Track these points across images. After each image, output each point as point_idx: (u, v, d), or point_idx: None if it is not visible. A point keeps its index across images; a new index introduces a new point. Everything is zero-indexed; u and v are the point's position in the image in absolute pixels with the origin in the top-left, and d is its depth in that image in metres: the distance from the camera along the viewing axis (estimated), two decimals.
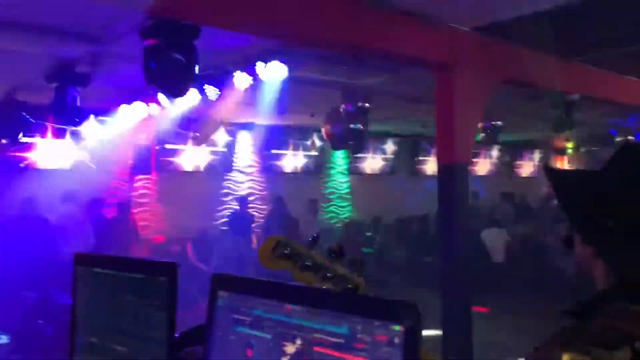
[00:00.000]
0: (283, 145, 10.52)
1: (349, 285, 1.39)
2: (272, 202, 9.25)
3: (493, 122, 8.95)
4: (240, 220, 8.68)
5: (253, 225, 9.09)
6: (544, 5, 4.42)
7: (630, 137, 11.67)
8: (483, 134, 9.10)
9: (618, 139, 12.31)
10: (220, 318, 1.02)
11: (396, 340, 0.76)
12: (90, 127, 7.44)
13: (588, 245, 1.16)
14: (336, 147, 7.92)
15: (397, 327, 0.75)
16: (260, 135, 10.03)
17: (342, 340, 0.82)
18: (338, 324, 0.83)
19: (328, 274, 1.37)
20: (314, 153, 10.96)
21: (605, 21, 4.87)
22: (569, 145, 13.86)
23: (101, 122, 7.73)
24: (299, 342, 0.89)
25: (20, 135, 7.56)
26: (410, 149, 12.06)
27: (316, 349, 0.86)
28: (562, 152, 14.21)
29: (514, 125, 9.49)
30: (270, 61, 5.19)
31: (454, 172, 5.18)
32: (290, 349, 0.90)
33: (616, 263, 1.10)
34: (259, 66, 5.24)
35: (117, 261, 1.34)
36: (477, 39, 5.18)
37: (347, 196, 11.63)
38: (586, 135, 12.74)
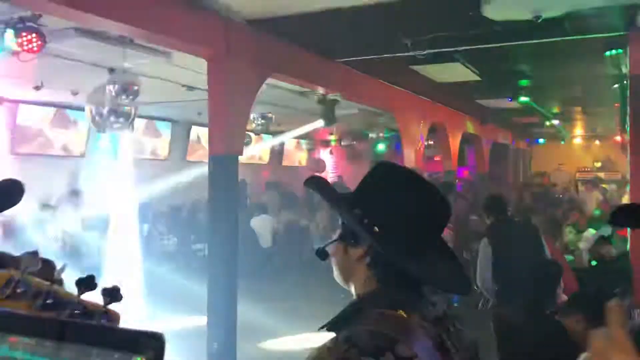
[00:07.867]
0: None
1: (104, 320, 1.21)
2: None
3: (264, 114, 9.27)
4: None
5: None
6: (317, 5, 4.67)
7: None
8: (255, 125, 9.37)
9: (371, 135, 13.88)
10: None
11: None
12: None
13: (358, 247, 1.25)
14: (101, 129, 7.36)
15: (139, 358, 0.70)
16: (11, 112, 8.81)
17: None
18: (75, 358, 0.74)
19: (77, 311, 1.17)
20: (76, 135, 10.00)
21: (366, 28, 5.34)
22: (332, 138, 15.16)
23: None
24: None
25: None
26: (185, 136, 11.79)
27: None
28: (326, 143, 15.55)
29: (285, 117, 9.91)
30: (23, 30, 4.56)
31: (225, 162, 5.21)
32: None
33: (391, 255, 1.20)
34: (9, 35, 4.58)
35: None
36: (251, 32, 5.26)
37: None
38: (347, 130, 14.00)
